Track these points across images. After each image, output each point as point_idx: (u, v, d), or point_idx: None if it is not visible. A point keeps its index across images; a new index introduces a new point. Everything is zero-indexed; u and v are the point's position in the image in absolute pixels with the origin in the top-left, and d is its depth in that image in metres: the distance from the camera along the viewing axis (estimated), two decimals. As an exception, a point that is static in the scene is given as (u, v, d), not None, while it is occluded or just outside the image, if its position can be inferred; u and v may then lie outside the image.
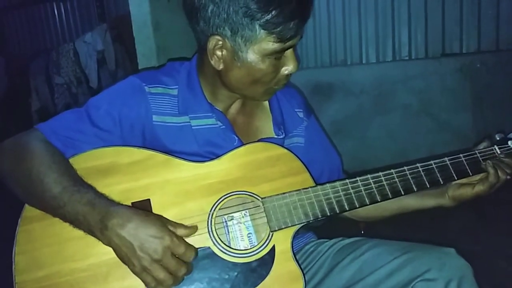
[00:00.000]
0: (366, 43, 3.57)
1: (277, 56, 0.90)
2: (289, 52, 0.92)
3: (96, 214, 0.80)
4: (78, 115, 0.96)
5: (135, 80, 0.99)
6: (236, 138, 1.01)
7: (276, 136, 1.06)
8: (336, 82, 3.41)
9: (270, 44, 0.88)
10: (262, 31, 0.86)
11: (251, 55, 0.89)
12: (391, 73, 3.37)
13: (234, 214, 0.92)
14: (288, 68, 0.94)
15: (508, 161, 1.01)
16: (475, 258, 1.01)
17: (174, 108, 0.99)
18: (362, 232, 2.16)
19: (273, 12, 0.84)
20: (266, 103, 1.11)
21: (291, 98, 1.15)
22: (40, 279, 0.84)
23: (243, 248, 0.91)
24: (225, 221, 0.92)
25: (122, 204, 0.84)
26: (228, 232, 0.91)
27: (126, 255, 0.79)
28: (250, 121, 1.08)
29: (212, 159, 0.95)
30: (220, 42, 0.90)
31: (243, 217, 0.93)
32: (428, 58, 3.46)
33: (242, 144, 0.99)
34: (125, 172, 0.90)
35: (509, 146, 1.03)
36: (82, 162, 0.89)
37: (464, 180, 1.02)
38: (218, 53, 0.91)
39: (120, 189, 0.87)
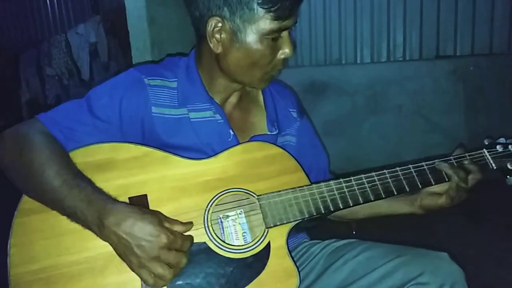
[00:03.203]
0: (361, 43, 3.58)
1: (274, 36, 0.93)
2: (285, 35, 0.95)
3: (93, 211, 0.80)
4: (78, 106, 0.97)
5: (135, 73, 1.01)
6: (232, 133, 1.02)
7: (269, 133, 1.07)
8: (330, 81, 3.42)
9: (268, 23, 0.90)
10: (259, 9, 0.89)
11: (250, 36, 0.92)
12: (385, 73, 3.39)
13: (229, 214, 0.93)
14: (284, 51, 0.96)
15: (472, 167, 1.01)
16: (466, 261, 1.02)
17: (174, 100, 1.00)
18: (354, 232, 2.16)
19: None
20: (261, 100, 1.12)
21: (285, 98, 1.17)
22: (36, 272, 0.83)
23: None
24: (220, 221, 0.92)
25: (119, 201, 0.83)
26: (223, 232, 0.92)
27: (123, 252, 0.79)
28: (245, 117, 1.09)
29: (209, 156, 0.96)
30: (220, 24, 0.92)
31: (238, 217, 0.93)
32: (422, 59, 3.48)
33: (238, 143, 1.00)
34: (122, 168, 0.90)
35: (497, 150, 1.04)
36: (80, 157, 0.89)
37: (436, 188, 1.02)
38: (217, 36, 0.93)
39: (117, 184, 0.87)
